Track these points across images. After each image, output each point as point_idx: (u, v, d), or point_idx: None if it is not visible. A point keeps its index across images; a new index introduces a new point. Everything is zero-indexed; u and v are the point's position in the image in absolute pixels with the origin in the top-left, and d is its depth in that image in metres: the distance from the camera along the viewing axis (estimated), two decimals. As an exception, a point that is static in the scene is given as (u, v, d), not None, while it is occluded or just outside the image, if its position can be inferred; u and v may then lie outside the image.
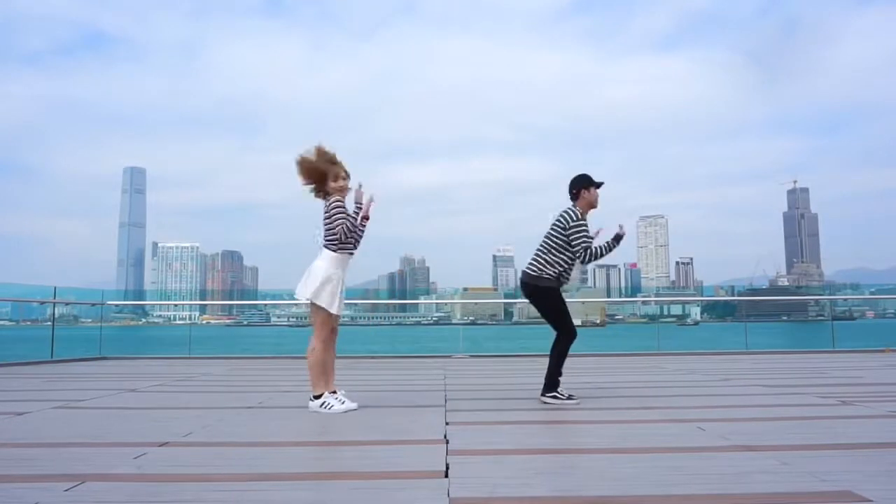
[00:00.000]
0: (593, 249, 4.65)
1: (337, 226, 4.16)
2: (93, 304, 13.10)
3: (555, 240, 4.69)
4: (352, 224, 4.26)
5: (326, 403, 4.17)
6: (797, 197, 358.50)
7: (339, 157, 4.32)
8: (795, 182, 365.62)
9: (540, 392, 4.61)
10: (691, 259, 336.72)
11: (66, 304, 13.23)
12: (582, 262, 4.70)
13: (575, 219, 4.66)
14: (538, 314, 4.84)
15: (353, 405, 4.23)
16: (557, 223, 4.71)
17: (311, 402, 4.24)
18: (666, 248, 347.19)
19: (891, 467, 2.57)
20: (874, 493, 2.15)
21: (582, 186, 4.76)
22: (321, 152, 4.26)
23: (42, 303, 12.06)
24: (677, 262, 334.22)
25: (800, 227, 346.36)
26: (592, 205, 4.79)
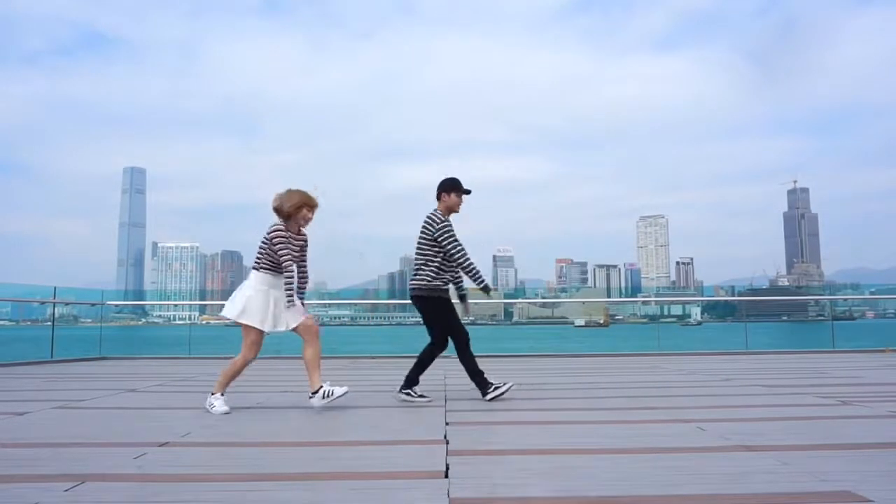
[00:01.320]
0: (467, 261, 4.75)
1: (284, 259, 4.25)
2: (93, 304, 13.10)
3: (426, 248, 4.82)
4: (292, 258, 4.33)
5: (327, 392, 4.30)
6: (797, 197, 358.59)
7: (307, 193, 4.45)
8: (795, 182, 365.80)
9: (406, 388, 4.85)
10: (691, 259, 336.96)
11: (66, 304, 13.22)
12: (451, 261, 4.79)
13: (438, 221, 4.79)
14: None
15: (343, 388, 4.34)
16: (424, 231, 4.83)
17: (210, 397, 4.34)
18: (666, 248, 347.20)
19: (891, 467, 2.57)
20: (874, 493, 2.15)
21: (443, 190, 4.90)
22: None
23: (42, 303, 12.05)
24: (677, 263, 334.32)
25: (800, 227, 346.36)
26: (452, 209, 4.92)
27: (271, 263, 4.31)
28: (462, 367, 4.91)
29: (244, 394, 5.55)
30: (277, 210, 4.35)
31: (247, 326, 4.29)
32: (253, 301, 4.27)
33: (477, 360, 4.89)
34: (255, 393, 5.54)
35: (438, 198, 4.92)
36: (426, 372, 4.98)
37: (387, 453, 2.99)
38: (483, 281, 4.86)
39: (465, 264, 4.78)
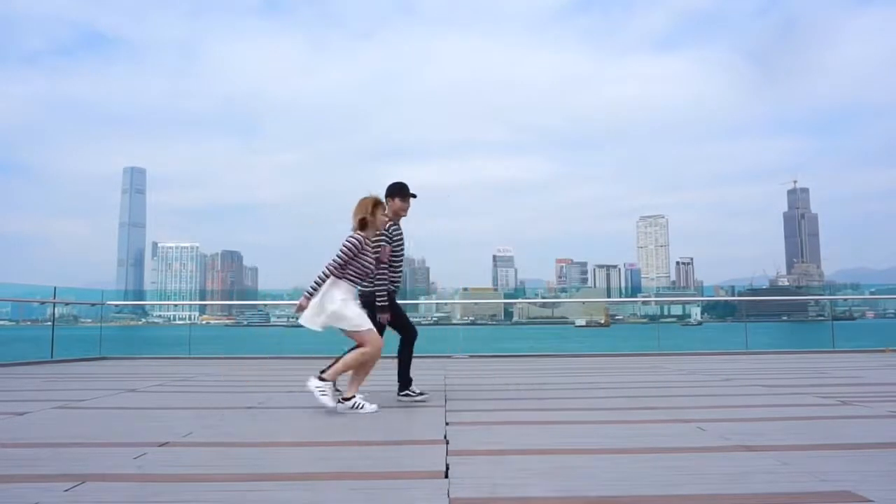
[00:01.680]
0: (382, 280, 4.70)
1: (332, 265, 4.32)
2: (93, 304, 13.10)
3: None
4: (353, 266, 4.40)
5: (357, 404, 4.30)
6: (797, 197, 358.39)
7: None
8: (795, 182, 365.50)
9: (398, 391, 4.90)
10: (691, 259, 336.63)
11: (66, 304, 13.22)
12: (376, 269, 4.75)
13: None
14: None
15: (374, 407, 4.34)
16: None
17: (347, 403, 4.32)
18: (666, 248, 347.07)
19: (891, 467, 2.58)
20: (874, 493, 2.15)
21: (388, 195, 4.92)
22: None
23: (42, 303, 12.06)
24: (677, 263, 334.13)
25: (800, 227, 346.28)
26: (398, 214, 4.92)
27: (356, 273, 4.39)
28: (398, 365, 4.95)
29: (244, 394, 5.56)
30: (363, 223, 4.43)
31: (352, 331, 4.35)
32: (352, 306, 4.35)
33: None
34: (256, 393, 5.55)
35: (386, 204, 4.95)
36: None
37: (387, 453, 2.99)
38: (382, 304, 4.75)
39: (380, 278, 4.74)
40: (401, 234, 4.93)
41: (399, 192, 4.91)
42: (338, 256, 4.34)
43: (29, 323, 15.75)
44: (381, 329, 4.90)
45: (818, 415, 4.04)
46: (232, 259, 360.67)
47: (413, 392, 4.86)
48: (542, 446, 3.11)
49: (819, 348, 11.79)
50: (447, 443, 3.11)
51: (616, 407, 4.51)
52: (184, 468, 2.68)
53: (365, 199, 4.51)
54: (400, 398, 4.86)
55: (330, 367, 4.68)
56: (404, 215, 4.96)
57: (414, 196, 4.97)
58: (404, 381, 4.92)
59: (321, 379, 4.33)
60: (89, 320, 14.36)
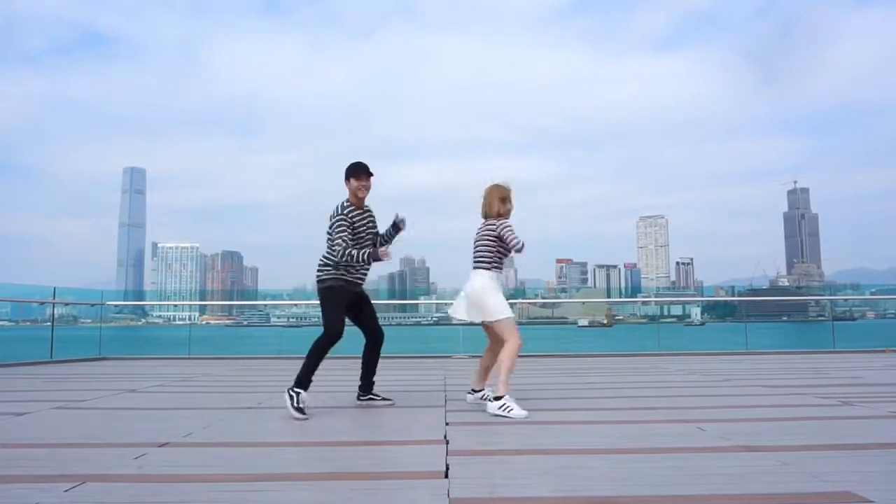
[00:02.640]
0: (353, 253, 4.32)
1: (517, 243, 4.46)
2: (92, 305, 13.09)
3: (328, 234, 4.48)
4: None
5: (506, 406, 4.08)
6: (797, 197, 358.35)
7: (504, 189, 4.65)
8: (795, 182, 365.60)
9: (288, 386, 4.21)
10: (691, 259, 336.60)
11: (66, 304, 13.21)
12: (339, 259, 4.35)
13: (337, 212, 4.45)
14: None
15: (524, 413, 4.04)
16: (331, 216, 4.51)
17: (496, 402, 4.15)
18: (666, 249, 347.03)
19: (891, 467, 2.57)
20: (874, 493, 2.15)
21: (344, 178, 4.56)
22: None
23: (42, 303, 12.05)
24: (677, 263, 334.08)
25: (800, 228, 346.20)
26: (356, 193, 4.53)
27: (501, 261, 4.53)
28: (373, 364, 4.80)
29: (244, 394, 5.55)
30: (500, 214, 4.54)
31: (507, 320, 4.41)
32: (495, 294, 4.43)
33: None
34: (256, 393, 5.54)
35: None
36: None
37: (387, 453, 2.99)
38: (367, 253, 4.37)
39: (344, 257, 4.32)
40: (362, 215, 4.56)
41: (353, 172, 4.54)
42: (512, 236, 4.42)
43: (29, 323, 15.76)
44: (341, 318, 4.50)
45: (818, 415, 4.04)
46: (232, 259, 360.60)
47: (299, 398, 4.15)
48: (542, 446, 3.11)
49: (819, 348, 11.78)
50: (447, 443, 3.11)
51: (616, 407, 4.51)
52: (184, 468, 2.68)
53: (494, 189, 4.58)
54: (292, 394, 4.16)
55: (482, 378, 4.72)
56: (364, 195, 4.58)
57: (370, 174, 4.57)
58: (302, 380, 4.23)
59: (494, 398, 4.20)
60: (89, 320, 14.35)
